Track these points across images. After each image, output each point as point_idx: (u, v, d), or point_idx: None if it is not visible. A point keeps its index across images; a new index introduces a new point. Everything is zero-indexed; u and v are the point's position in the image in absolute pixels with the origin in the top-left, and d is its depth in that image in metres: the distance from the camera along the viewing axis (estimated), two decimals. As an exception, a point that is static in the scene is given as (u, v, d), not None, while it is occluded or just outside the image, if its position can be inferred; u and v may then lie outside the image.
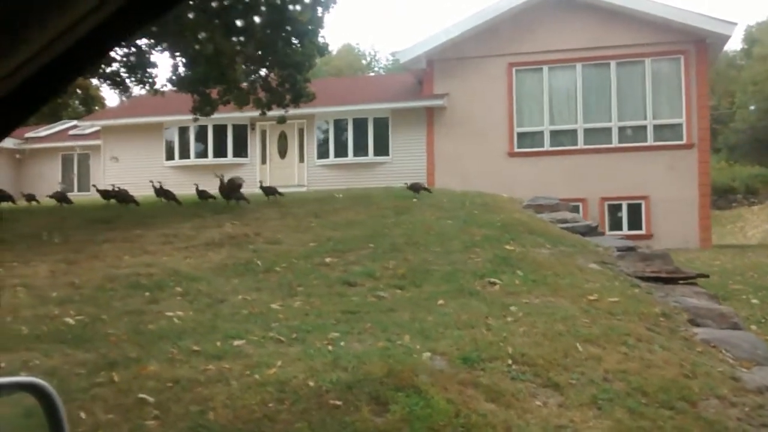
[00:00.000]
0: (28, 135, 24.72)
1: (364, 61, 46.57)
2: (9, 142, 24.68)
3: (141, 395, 3.92)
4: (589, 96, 18.79)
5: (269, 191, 13.35)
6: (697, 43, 17.91)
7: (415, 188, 12.72)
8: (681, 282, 7.29)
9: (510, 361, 4.22)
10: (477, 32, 19.26)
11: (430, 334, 4.55)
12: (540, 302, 5.43)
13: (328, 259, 7.20)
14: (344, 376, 3.88)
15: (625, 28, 18.28)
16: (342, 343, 4.47)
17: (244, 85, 13.92)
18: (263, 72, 14.13)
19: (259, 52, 13.42)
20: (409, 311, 5.21)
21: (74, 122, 25.86)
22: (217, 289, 6.28)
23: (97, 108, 34.65)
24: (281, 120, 14.40)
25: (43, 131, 25.22)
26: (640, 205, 18.19)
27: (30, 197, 16.98)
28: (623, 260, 8.16)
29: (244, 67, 14.04)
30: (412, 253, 7.24)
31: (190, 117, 21.04)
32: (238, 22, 12.63)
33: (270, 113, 14.87)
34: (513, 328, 4.70)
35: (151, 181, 14.69)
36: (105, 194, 14.18)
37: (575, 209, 16.50)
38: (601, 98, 18.72)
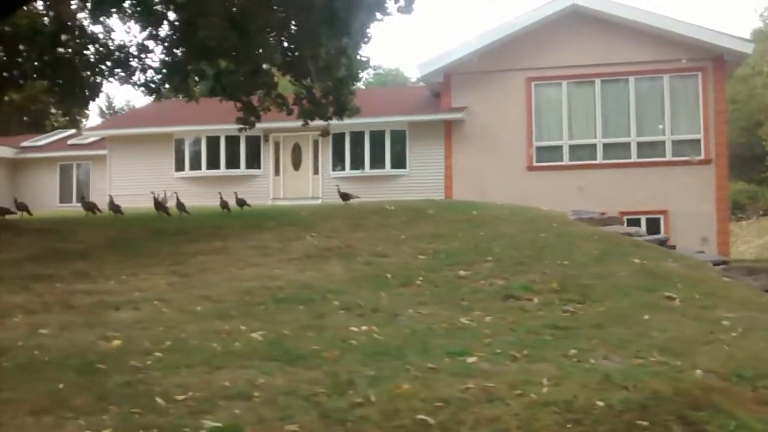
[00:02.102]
0: (24, 144, 23.92)
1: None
2: (5, 152, 23.84)
3: (419, 416, 3.72)
4: (608, 111, 19.04)
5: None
6: (714, 60, 18.32)
7: (345, 197, 14.74)
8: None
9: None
10: (496, 47, 19.38)
11: (675, 350, 4.46)
12: (739, 316, 5.40)
13: (462, 272, 7.06)
14: (631, 396, 3.76)
15: (644, 44, 18.61)
16: (592, 360, 4.34)
17: (289, 94, 13.69)
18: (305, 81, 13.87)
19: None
20: (620, 326, 5.11)
21: (71, 131, 25.14)
22: (374, 303, 6.08)
23: (80, 118, 33.77)
24: (325, 132, 14.19)
25: (41, 140, 24.42)
26: (659, 219, 18.44)
27: (22, 206, 16.27)
28: (729, 273, 8.23)
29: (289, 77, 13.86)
30: (543, 267, 7.16)
31: (201, 128, 20.80)
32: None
33: (309, 124, 14.60)
34: (750, 344, 4.65)
35: (153, 192, 14.87)
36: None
37: (636, 223, 16.78)
38: (620, 113, 18.98)
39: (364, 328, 5.30)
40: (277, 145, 21.18)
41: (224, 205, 15.77)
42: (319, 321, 5.58)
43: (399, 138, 20.33)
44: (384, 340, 4.97)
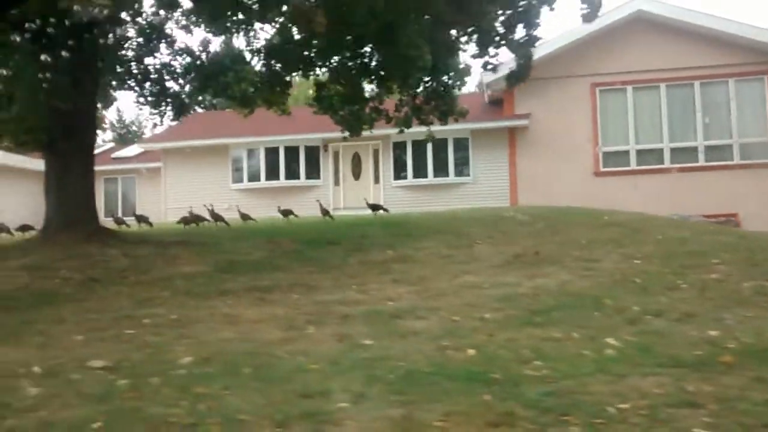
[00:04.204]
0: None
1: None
2: (37, 164, 23.16)
3: None
4: (674, 115, 19.15)
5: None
6: (780, 63, 18.54)
7: (373, 208, 15.60)
8: None
9: None
10: (560, 53, 19.39)
11: None
12: None
13: (712, 276, 6.90)
14: None
15: (708, 49, 18.76)
16: None
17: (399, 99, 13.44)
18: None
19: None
20: None
21: (110, 145, 24.59)
22: (671, 307, 5.86)
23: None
24: (430, 137, 13.98)
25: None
26: (730, 222, 18.51)
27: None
28: None
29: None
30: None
31: (259, 139, 20.46)
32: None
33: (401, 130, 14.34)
34: None
35: (206, 206, 15.44)
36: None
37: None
38: (686, 118, 19.08)
39: (713, 333, 5.09)
40: (336, 154, 20.93)
41: (326, 212, 15.62)
42: (641, 326, 5.37)
43: (462, 145, 20.21)
44: (754, 342, 4.78)
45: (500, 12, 9.94)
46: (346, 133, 13.20)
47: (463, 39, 10.62)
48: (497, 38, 10.05)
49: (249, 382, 4.43)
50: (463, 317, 5.83)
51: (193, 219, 15.49)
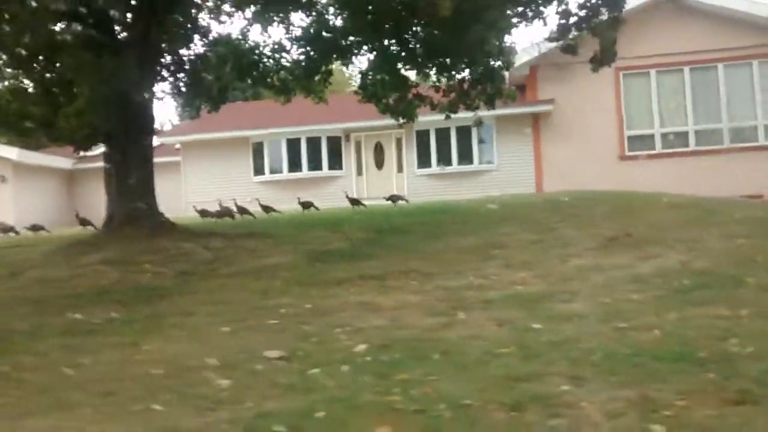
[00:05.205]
0: (81, 154, 22.87)
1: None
2: (62, 162, 22.85)
3: None
4: (698, 98, 19.19)
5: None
6: (804, 44, 18.64)
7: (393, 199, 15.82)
8: None
9: None
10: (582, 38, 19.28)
11: None
12: None
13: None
14: None
15: (731, 31, 18.79)
16: None
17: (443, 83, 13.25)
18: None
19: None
20: None
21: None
22: None
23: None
24: (477, 122, 13.82)
25: (98, 149, 23.39)
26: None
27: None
28: None
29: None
30: None
31: (281, 130, 20.21)
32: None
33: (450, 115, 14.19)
34: None
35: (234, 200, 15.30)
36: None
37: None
38: (710, 100, 19.14)
39: None
40: (358, 144, 20.74)
41: (355, 202, 15.44)
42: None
43: (486, 133, 20.10)
44: None
45: None
46: (402, 120, 12.98)
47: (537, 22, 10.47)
48: (577, 21, 9.90)
49: (444, 367, 4.30)
50: (611, 299, 5.73)
51: (221, 212, 15.26)
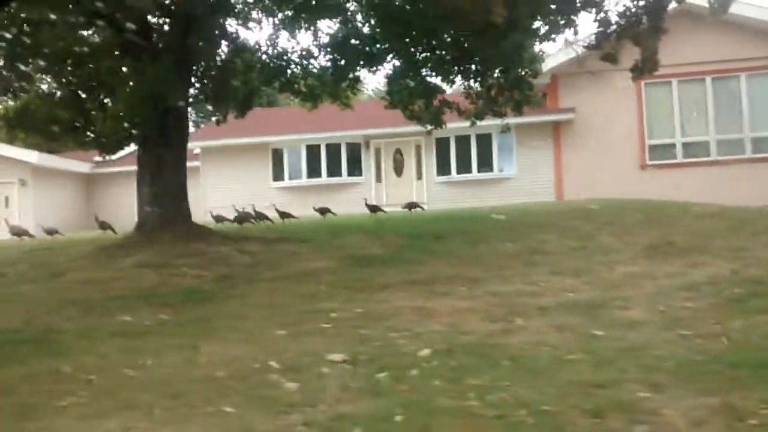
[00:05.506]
0: (98, 158, 22.95)
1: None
2: (80, 167, 22.92)
3: None
4: (720, 108, 19.11)
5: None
6: (825, 55, 18.57)
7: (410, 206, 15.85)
8: None
9: None
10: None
11: None
12: None
13: None
14: None
15: (754, 41, 18.72)
16: None
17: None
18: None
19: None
20: None
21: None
22: None
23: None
24: (506, 129, 13.80)
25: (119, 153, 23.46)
26: (778, 213, 18.53)
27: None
28: None
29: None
30: None
31: (301, 136, 20.22)
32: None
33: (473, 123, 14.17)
34: None
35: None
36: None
37: None
38: (732, 110, 19.06)
39: None
40: (378, 151, 20.72)
41: (374, 208, 15.39)
42: None
43: (506, 140, 20.03)
44: None
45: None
46: (429, 127, 12.95)
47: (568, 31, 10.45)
48: (617, 29, 9.87)
49: (516, 373, 4.25)
50: (666, 307, 5.68)
51: (239, 218, 15.25)
